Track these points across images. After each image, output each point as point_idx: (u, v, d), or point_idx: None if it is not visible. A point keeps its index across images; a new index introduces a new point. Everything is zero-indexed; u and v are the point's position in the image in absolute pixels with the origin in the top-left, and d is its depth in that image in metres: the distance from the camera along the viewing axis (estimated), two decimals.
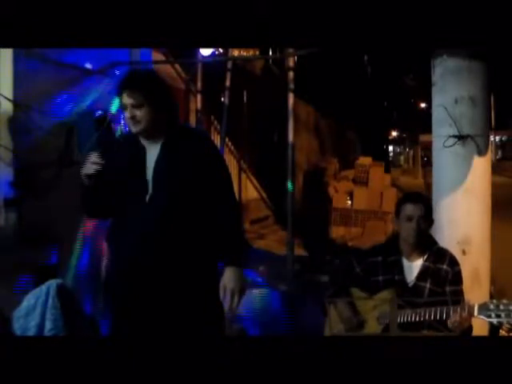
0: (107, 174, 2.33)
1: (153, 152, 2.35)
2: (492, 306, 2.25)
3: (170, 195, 2.30)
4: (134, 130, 2.31)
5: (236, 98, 8.51)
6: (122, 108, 2.33)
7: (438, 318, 2.40)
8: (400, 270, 2.66)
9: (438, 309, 2.40)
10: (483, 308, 2.27)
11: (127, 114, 2.29)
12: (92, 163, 2.28)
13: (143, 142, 2.37)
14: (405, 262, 2.67)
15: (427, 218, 2.65)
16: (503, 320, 2.23)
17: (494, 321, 2.24)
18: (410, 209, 2.63)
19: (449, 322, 2.38)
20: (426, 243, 2.67)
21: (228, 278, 2.32)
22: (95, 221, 4.19)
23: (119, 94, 2.32)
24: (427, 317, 2.41)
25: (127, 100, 2.28)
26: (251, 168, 9.98)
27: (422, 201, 2.68)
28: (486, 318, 2.27)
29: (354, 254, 3.02)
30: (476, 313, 2.30)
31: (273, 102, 9.07)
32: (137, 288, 2.31)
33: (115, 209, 2.38)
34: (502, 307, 2.23)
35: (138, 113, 2.28)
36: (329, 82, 13.52)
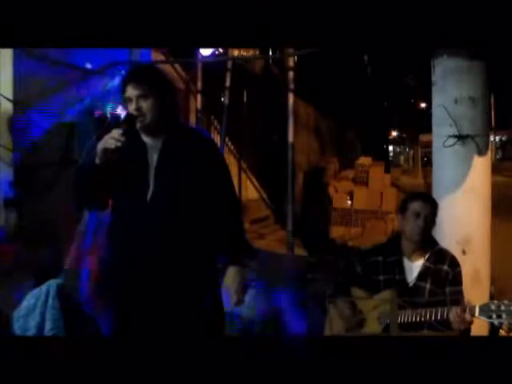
0: (108, 172, 2.32)
1: (154, 149, 2.35)
2: (493, 307, 2.24)
3: (172, 193, 2.30)
4: (139, 124, 2.29)
5: (236, 98, 8.51)
6: (127, 101, 2.30)
7: (438, 318, 2.39)
8: (401, 269, 2.66)
9: (439, 309, 2.40)
10: (484, 309, 2.27)
11: (133, 106, 2.27)
12: (113, 138, 2.19)
13: (144, 138, 2.36)
14: (406, 261, 2.68)
15: (433, 218, 2.66)
16: (504, 321, 2.22)
17: (495, 321, 2.24)
18: (419, 205, 2.64)
19: (450, 317, 2.38)
20: (427, 243, 2.67)
21: (230, 277, 2.33)
22: (95, 217, 4.19)
23: (124, 89, 2.30)
24: (428, 317, 2.40)
25: (133, 92, 2.26)
26: (251, 168, 9.99)
27: (430, 200, 2.72)
28: (487, 319, 2.26)
29: (355, 253, 3.02)
30: (477, 313, 2.29)
31: (273, 102, 9.07)
32: (137, 286, 2.30)
33: (116, 205, 2.37)
34: (503, 308, 2.22)
35: (144, 104, 2.27)
36: (329, 81, 13.51)
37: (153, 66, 2.59)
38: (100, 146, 2.22)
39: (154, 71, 2.40)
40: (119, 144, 2.19)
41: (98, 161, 2.23)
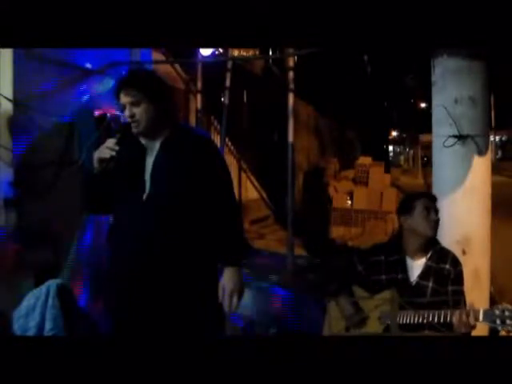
0: (108, 177, 2.33)
1: (152, 151, 2.35)
2: (497, 312, 2.23)
3: (168, 194, 2.30)
4: (134, 130, 2.31)
5: (236, 98, 8.51)
6: (122, 108, 2.33)
7: (441, 320, 2.38)
8: (403, 268, 2.66)
9: (442, 312, 2.38)
10: (488, 313, 2.26)
11: (126, 113, 2.30)
12: (107, 148, 2.25)
13: (143, 141, 2.37)
14: (408, 260, 2.68)
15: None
16: (508, 326, 2.21)
17: (499, 327, 2.23)
18: (427, 201, 2.67)
19: (454, 320, 2.37)
20: (429, 242, 2.68)
21: (227, 278, 2.32)
22: (95, 217, 4.19)
23: (117, 95, 2.32)
24: (430, 319, 2.39)
25: (125, 99, 2.29)
26: (251, 168, 9.98)
27: (434, 197, 2.76)
28: (491, 324, 2.26)
29: (356, 252, 3.02)
30: (481, 318, 2.29)
31: (273, 101, 9.07)
32: (135, 288, 2.30)
33: (115, 207, 2.38)
34: (507, 313, 2.21)
35: (137, 111, 2.28)
36: (329, 81, 13.52)
37: (145, 71, 2.58)
38: (95, 155, 2.25)
39: (145, 76, 2.40)
40: (113, 153, 2.23)
41: (94, 170, 2.27)
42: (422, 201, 2.67)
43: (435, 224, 2.65)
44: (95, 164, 2.27)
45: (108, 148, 2.25)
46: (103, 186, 2.33)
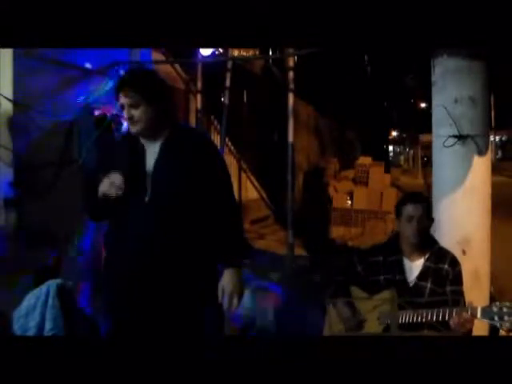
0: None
1: (152, 152, 2.35)
2: (495, 309, 2.24)
3: (169, 195, 2.29)
4: (133, 130, 2.31)
5: (236, 98, 8.52)
6: (121, 108, 2.33)
7: (439, 319, 2.39)
8: (401, 269, 2.66)
9: (441, 310, 2.39)
10: (486, 311, 2.27)
11: (125, 114, 2.30)
12: (113, 186, 2.21)
13: (143, 141, 2.37)
14: (406, 261, 2.68)
15: (428, 217, 2.67)
16: (506, 323, 2.22)
17: (497, 324, 2.24)
18: (410, 209, 2.64)
19: (451, 323, 2.38)
20: (427, 243, 2.68)
21: (226, 279, 2.32)
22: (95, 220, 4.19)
23: (117, 95, 2.32)
24: (429, 318, 2.40)
25: (124, 100, 2.28)
26: (251, 168, 9.98)
27: (421, 200, 2.71)
28: (489, 321, 2.26)
29: (355, 253, 3.02)
30: (479, 315, 2.29)
31: (273, 101, 9.08)
32: (136, 288, 2.30)
33: (114, 209, 2.37)
34: (505, 310, 2.22)
35: (136, 112, 2.28)
36: (329, 81, 13.52)
37: (144, 72, 2.55)
38: (100, 189, 2.24)
39: (144, 78, 2.37)
40: (120, 193, 2.21)
41: (98, 198, 2.26)
42: (406, 207, 2.66)
43: (416, 232, 2.62)
44: (99, 194, 2.25)
45: (114, 186, 2.22)
46: (106, 208, 2.32)
